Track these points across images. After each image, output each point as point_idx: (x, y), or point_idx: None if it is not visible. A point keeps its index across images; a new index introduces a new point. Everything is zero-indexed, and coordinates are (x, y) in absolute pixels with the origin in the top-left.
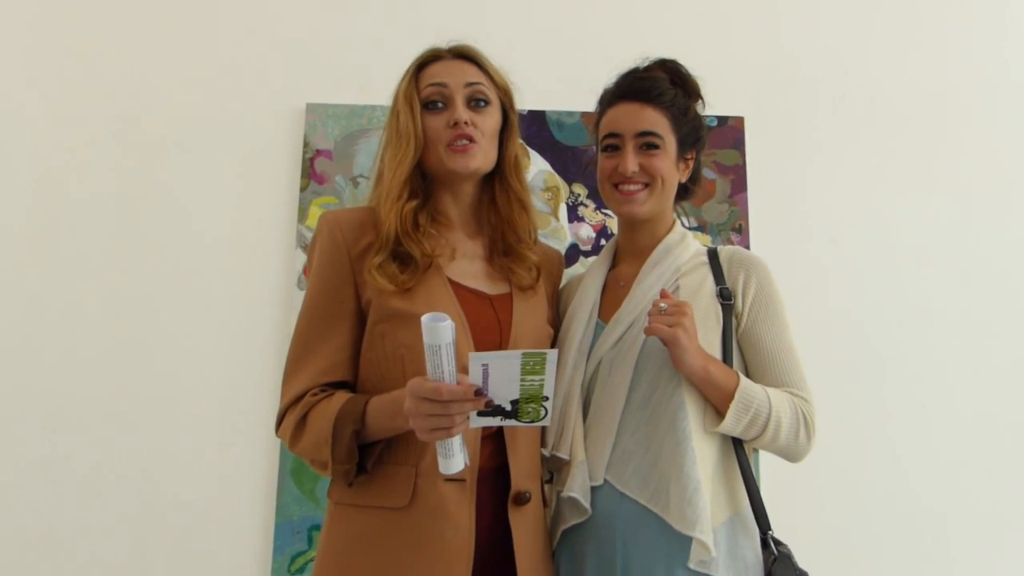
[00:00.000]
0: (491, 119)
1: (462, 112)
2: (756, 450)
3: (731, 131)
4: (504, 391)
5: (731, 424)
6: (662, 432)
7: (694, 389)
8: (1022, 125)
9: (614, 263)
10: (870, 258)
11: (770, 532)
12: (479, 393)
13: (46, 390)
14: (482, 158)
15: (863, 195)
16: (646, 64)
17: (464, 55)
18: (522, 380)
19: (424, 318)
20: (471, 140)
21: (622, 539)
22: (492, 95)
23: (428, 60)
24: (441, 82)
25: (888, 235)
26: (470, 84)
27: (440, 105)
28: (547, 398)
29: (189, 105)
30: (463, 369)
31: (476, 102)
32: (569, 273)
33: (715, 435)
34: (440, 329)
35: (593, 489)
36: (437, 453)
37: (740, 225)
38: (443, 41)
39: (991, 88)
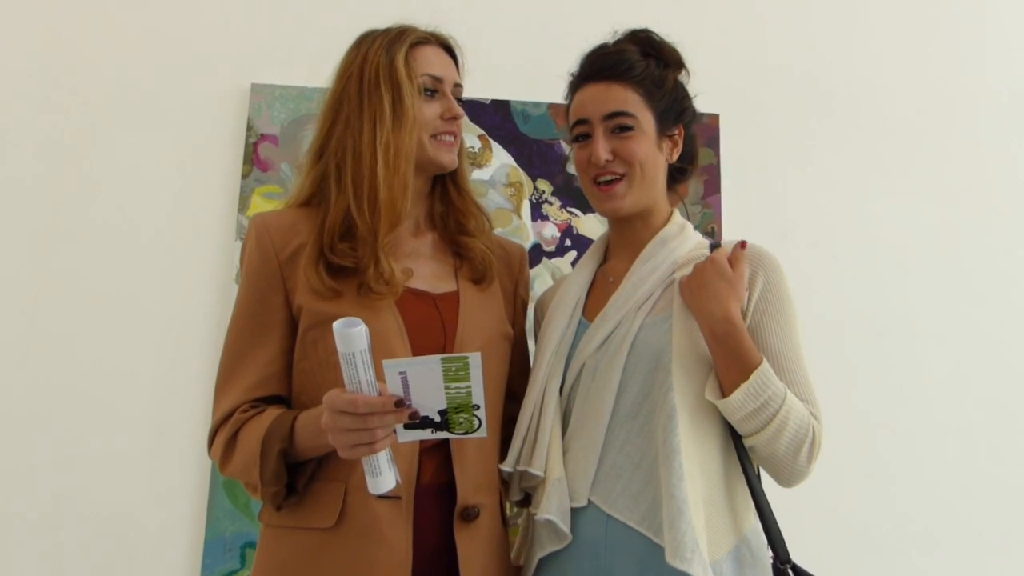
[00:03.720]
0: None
1: (457, 107)
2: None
3: (705, 129)
4: (429, 400)
5: (738, 403)
6: (656, 444)
7: (688, 393)
8: (1004, 129)
9: (604, 259)
10: (851, 263)
11: (789, 563)
12: (401, 404)
13: None
14: (456, 156)
15: (843, 198)
16: (615, 38)
17: (450, 51)
18: (446, 388)
19: (335, 324)
20: (454, 136)
21: (608, 570)
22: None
23: (420, 41)
24: (439, 76)
25: (869, 239)
26: (457, 85)
27: (434, 93)
28: (478, 406)
29: (121, 81)
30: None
31: (458, 101)
32: (533, 276)
33: (714, 446)
34: (352, 335)
35: (575, 511)
36: (364, 471)
37: (713, 228)
38: (412, 20)
39: (973, 92)
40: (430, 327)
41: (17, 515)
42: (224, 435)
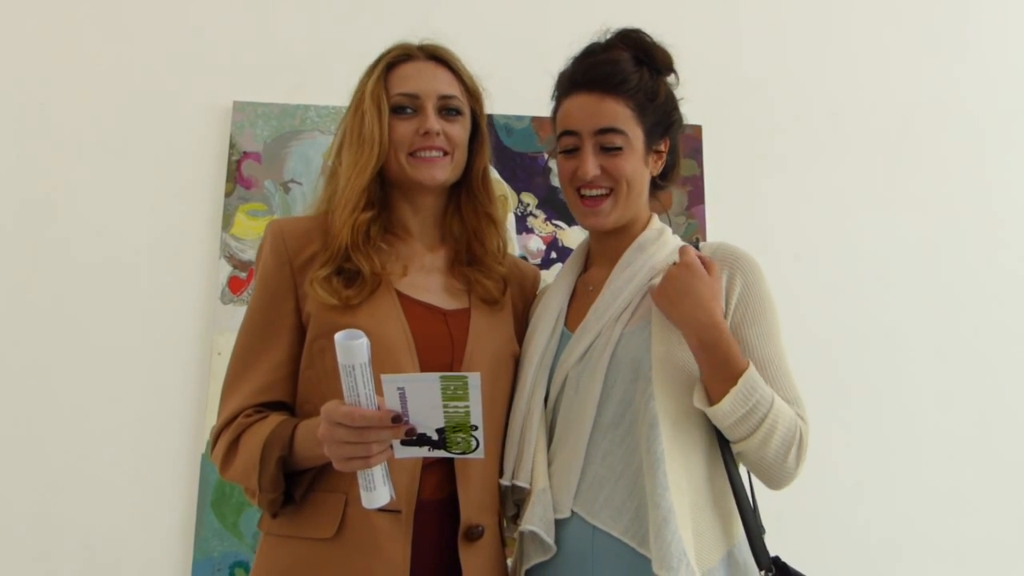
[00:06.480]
0: (462, 129)
1: (433, 122)
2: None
3: (688, 140)
4: (427, 418)
5: (727, 409)
6: (639, 454)
7: (670, 402)
8: (982, 144)
9: (585, 267)
10: (833, 275)
11: (770, 570)
12: (398, 419)
13: None
14: (450, 170)
15: (826, 210)
16: (606, 40)
17: (438, 57)
18: (444, 406)
19: (337, 336)
20: (443, 152)
21: None
22: (465, 106)
23: (399, 59)
24: (413, 92)
25: (851, 252)
26: (444, 97)
27: (409, 111)
28: (476, 427)
29: (102, 100)
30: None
31: (448, 111)
32: None
33: (699, 453)
34: (353, 348)
35: (560, 523)
36: (358, 485)
37: (697, 239)
38: (411, 36)
39: (951, 107)
40: (439, 343)
41: (3, 535)
42: (226, 439)
